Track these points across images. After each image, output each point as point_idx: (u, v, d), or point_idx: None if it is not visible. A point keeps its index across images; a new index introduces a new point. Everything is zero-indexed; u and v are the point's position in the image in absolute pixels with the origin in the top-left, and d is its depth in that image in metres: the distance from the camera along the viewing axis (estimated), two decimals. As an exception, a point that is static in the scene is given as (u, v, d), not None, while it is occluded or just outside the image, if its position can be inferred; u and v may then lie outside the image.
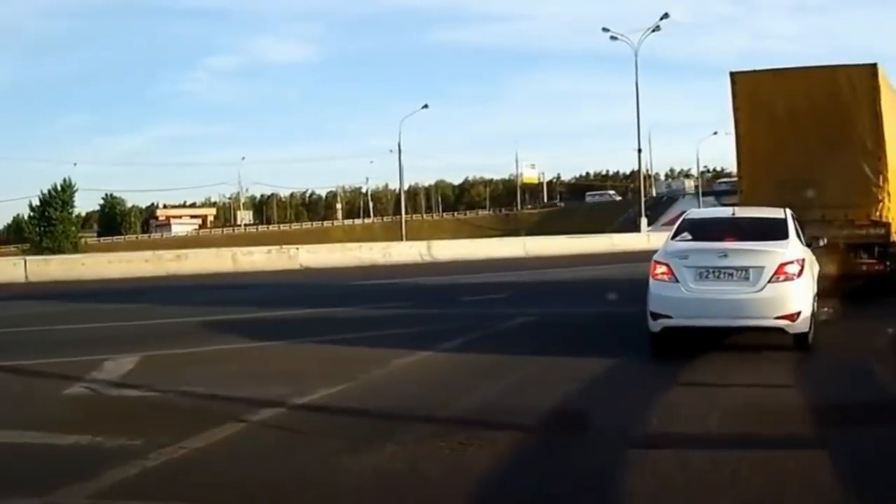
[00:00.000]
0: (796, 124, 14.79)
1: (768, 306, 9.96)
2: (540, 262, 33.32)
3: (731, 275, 10.09)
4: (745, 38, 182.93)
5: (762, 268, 10.03)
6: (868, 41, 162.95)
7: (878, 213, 14.63)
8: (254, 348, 12.10)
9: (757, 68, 15.78)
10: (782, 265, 10.07)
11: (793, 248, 10.49)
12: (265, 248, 36.59)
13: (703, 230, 11.17)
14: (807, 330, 10.17)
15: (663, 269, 10.36)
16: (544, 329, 13.57)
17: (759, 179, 15.21)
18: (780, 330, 10.10)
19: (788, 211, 11.50)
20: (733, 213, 11.99)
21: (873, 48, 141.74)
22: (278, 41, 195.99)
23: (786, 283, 10.02)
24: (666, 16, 54.78)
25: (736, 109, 15.50)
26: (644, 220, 53.71)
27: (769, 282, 9.98)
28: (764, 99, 15.29)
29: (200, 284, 25.56)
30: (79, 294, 22.67)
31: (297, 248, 36.70)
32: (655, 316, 10.31)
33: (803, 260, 10.40)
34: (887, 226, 14.69)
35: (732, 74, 15.62)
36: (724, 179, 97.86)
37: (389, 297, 19.44)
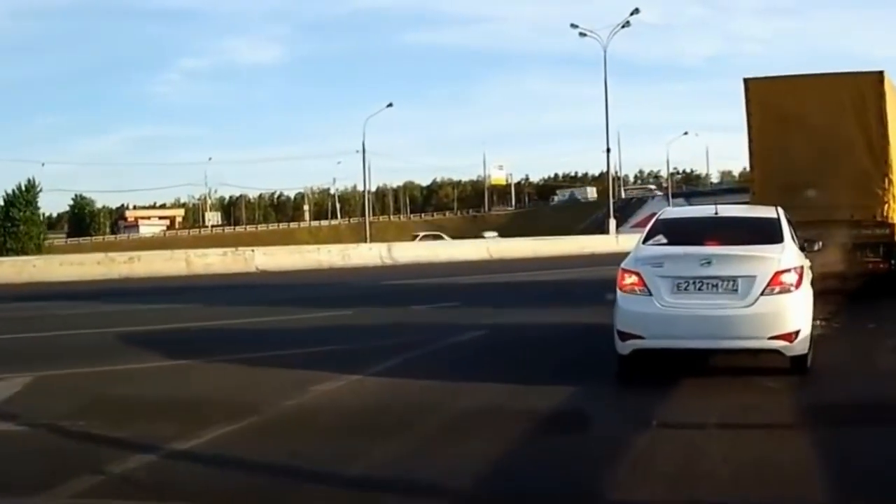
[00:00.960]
0: (806, 128, 15.28)
1: (761, 324, 8.23)
2: (503, 265, 32.94)
3: (716, 286, 8.35)
4: (716, 41, 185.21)
5: (753, 277, 8.29)
6: (839, 43, 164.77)
7: (883, 214, 14.95)
8: (161, 369, 10.61)
9: (770, 75, 16.87)
10: (777, 274, 8.32)
11: (789, 254, 8.74)
12: (220, 251, 35.69)
13: (680, 232, 9.41)
14: (806, 351, 8.47)
15: (633, 279, 8.60)
16: (495, 346, 11.79)
17: (770, 181, 15.57)
18: (775, 351, 8.38)
19: (781, 209, 9.81)
20: (716, 213, 10.04)
21: (844, 50, 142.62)
22: (250, 42, 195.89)
23: (782, 296, 8.29)
24: (636, 11, 53.27)
25: (749, 115, 16.07)
26: (613, 222, 52.51)
27: (762, 294, 8.24)
28: (775, 104, 15.83)
29: (147, 288, 24.79)
30: (18, 297, 21.80)
31: (253, 251, 35.81)
32: (624, 336, 8.55)
33: (801, 268, 8.67)
34: (892, 226, 14.99)
35: (746, 81, 16.21)
36: None
37: (335, 304, 18.04)
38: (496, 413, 7.71)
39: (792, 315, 8.30)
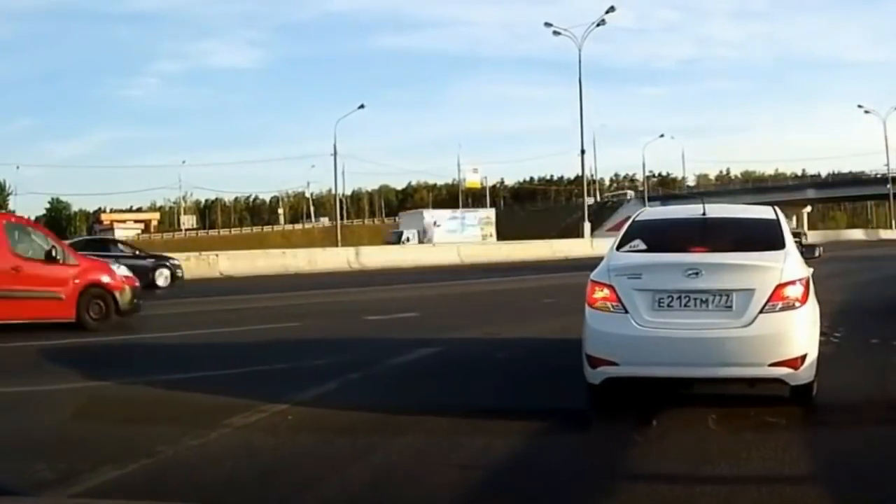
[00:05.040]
0: None
1: (760, 348, 6.77)
2: (473, 271, 32.57)
3: (706, 301, 6.90)
4: (689, 44, 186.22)
5: (751, 291, 6.85)
6: (810, 47, 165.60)
7: None
8: (73, 391, 9.23)
9: None
10: (780, 287, 6.87)
11: (793, 262, 7.24)
12: (184, 255, 35.05)
13: (662, 237, 7.87)
14: (812, 379, 7.02)
15: (605, 293, 7.14)
16: (447, 367, 10.28)
17: None
18: (777, 380, 6.91)
19: (778, 209, 8.37)
20: (704, 213, 8.22)
21: (814, 54, 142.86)
22: (225, 46, 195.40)
23: (786, 314, 6.83)
24: (612, 9, 52.09)
25: None
26: (587, 226, 51.53)
27: (762, 311, 6.80)
28: None
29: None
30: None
31: (217, 255, 35.88)
32: (594, 361, 7.09)
33: (807, 279, 7.19)
34: None
35: None
36: None
37: (284, 313, 16.88)
38: (430, 458, 6.27)
39: (797, 336, 6.86)
